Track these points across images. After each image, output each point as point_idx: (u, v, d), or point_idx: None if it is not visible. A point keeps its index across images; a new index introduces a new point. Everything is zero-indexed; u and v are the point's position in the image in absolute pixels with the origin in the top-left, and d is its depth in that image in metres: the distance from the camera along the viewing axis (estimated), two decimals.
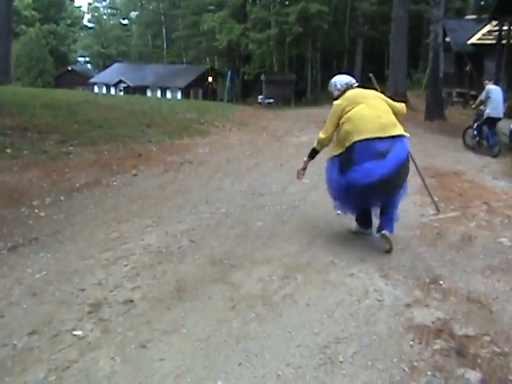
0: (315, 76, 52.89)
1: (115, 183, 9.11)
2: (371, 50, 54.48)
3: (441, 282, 5.35)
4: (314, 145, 6.36)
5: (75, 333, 4.19)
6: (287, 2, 54.15)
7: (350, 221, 6.97)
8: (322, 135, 6.23)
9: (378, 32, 50.90)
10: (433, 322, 4.51)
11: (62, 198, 8.04)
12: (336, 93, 6.44)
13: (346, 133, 5.91)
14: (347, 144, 5.89)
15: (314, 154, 6.40)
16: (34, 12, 71.87)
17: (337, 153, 6.12)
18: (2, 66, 28.73)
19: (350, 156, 5.86)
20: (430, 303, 4.89)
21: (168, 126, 15.00)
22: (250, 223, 7.07)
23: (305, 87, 51.44)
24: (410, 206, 8.33)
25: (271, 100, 48.17)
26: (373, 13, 51.13)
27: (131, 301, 4.75)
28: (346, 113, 6.00)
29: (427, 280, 5.39)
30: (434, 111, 25.11)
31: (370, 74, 5.42)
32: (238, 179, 9.89)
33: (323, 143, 6.29)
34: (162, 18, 78.14)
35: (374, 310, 4.73)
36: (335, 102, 6.21)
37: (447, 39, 31.55)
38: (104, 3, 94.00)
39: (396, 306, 4.82)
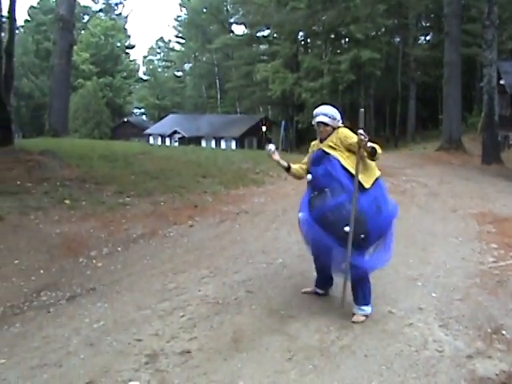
0: (368, 123, 52.86)
1: (171, 234, 9.22)
2: (424, 95, 54.16)
3: (504, 332, 5.21)
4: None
5: (132, 383, 4.21)
6: (339, 51, 54.60)
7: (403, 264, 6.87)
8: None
9: (430, 77, 50.68)
10: (497, 375, 4.39)
11: (119, 248, 8.18)
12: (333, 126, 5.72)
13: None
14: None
15: None
16: (91, 66, 73.94)
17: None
18: (60, 118, 29.73)
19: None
20: (492, 354, 4.76)
21: (223, 176, 15.15)
22: (307, 273, 7.04)
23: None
24: (469, 253, 8.19)
25: None
26: (425, 58, 50.96)
27: (188, 352, 4.76)
28: None
29: (489, 330, 5.27)
30: (491, 155, 24.86)
31: (361, 110, 5.29)
32: (294, 229, 9.82)
33: None
34: (216, 69, 79.41)
35: (434, 361, 4.63)
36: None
37: (501, 82, 31.23)
38: (158, 56, 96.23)
39: (457, 357, 4.71)
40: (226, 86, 73.71)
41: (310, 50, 61.40)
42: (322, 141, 5.72)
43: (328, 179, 5.40)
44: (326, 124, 5.65)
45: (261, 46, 71.95)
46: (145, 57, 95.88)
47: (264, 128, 58.84)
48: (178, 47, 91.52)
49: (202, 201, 11.98)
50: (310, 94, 52.24)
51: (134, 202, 11.11)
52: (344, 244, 5.18)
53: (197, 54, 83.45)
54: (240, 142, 59.72)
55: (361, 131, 5.11)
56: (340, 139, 5.50)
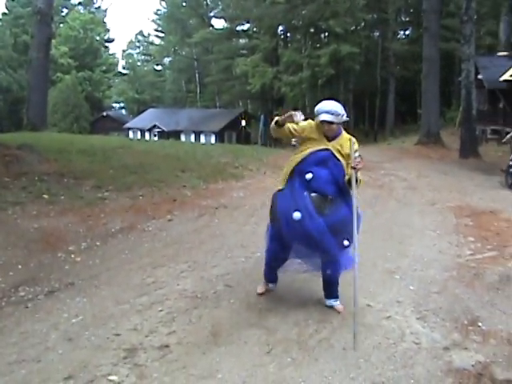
0: (348, 117, 52.83)
1: (150, 228, 9.21)
2: (403, 90, 54.40)
3: (480, 324, 5.29)
4: None
5: (111, 378, 4.22)
6: (318, 45, 54.71)
7: (387, 260, 6.92)
8: None
9: (409, 71, 50.90)
10: (473, 366, 4.46)
11: (98, 243, 8.15)
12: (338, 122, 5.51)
13: None
14: None
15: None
16: (70, 60, 73.26)
17: None
18: (38, 112, 29.49)
19: None
20: (469, 346, 4.83)
21: (202, 171, 15.13)
22: (286, 267, 7.08)
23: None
24: (446, 246, 8.27)
25: None
26: (404, 52, 51.45)
27: (167, 346, 4.77)
28: None
29: (466, 322, 5.34)
30: (469, 149, 25.05)
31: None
32: None
33: None
34: (195, 63, 79.12)
35: (411, 353, 4.69)
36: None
37: (479, 76, 31.37)
38: (138, 50, 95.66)
39: (434, 349, 4.77)
40: (205, 80, 73.48)
41: (289, 44, 61.46)
42: (328, 139, 5.47)
43: (332, 186, 5.37)
44: (330, 122, 5.37)
45: (240, 40, 71.86)
46: (124, 51, 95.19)
47: (243, 122, 58.85)
48: (157, 41, 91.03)
49: (181, 195, 11.97)
50: (289, 88, 52.37)
51: (112, 197, 11.07)
52: (337, 252, 5.35)
53: (176, 47, 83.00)
54: (219, 136, 59.63)
55: (357, 154, 5.24)
56: (349, 150, 5.35)
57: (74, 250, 7.73)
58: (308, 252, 5.57)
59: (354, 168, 5.21)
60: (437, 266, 7.04)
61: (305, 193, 5.32)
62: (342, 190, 5.40)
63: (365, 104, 55.28)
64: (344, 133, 5.56)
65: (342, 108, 5.52)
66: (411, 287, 6.35)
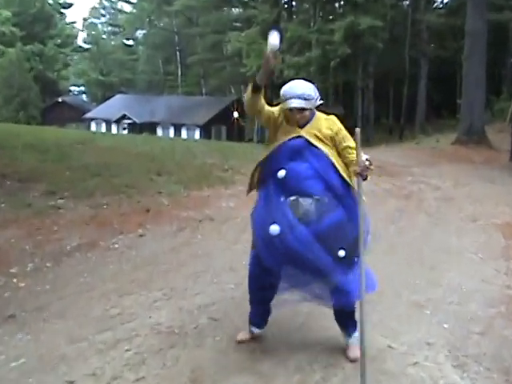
0: (367, 109, 53.04)
1: (116, 246, 9.21)
2: (439, 74, 54.16)
3: None
4: None
5: None
6: (331, 17, 54.60)
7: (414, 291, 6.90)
8: None
9: (447, 50, 50.75)
10: None
11: (49, 264, 8.13)
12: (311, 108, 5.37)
13: None
14: None
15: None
16: (14, 28, 72.91)
17: None
18: None
19: None
20: None
21: (183, 174, 15.14)
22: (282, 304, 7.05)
23: (354, 124, 50.08)
24: (492, 273, 8.26)
25: None
26: (440, 26, 51.28)
27: None
28: None
29: None
30: None
31: (357, 129, 5.07)
32: None
33: None
34: (176, 38, 79.35)
35: None
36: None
37: None
38: (103, 19, 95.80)
39: None
40: (188, 59, 73.66)
41: (294, 16, 61.57)
42: (299, 126, 5.28)
43: (316, 183, 5.13)
44: (302, 109, 5.18)
45: (233, 10, 72.13)
46: (85, 19, 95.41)
47: (236, 114, 58.87)
48: (127, 8, 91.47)
49: (156, 204, 11.98)
50: (294, 72, 52.20)
51: (69, 205, 11.06)
52: (330, 267, 5.05)
53: (152, 17, 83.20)
54: (205, 130, 59.78)
55: (366, 157, 4.87)
56: (331, 131, 5.22)
57: (17, 272, 7.70)
58: (300, 276, 5.26)
59: (359, 175, 4.89)
60: (479, 298, 7.03)
61: (281, 198, 5.17)
62: (333, 187, 5.15)
63: (388, 92, 55.32)
64: (318, 113, 5.40)
65: (315, 89, 5.33)
66: (445, 325, 6.31)
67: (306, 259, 4.97)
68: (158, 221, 10.74)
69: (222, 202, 12.78)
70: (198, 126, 60.41)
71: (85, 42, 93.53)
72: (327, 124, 5.29)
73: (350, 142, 5.16)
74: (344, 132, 5.29)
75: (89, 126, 65.15)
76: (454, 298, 7.21)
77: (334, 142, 5.21)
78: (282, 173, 5.16)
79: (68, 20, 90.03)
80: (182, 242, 9.68)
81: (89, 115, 69.25)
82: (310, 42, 51.85)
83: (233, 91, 74.94)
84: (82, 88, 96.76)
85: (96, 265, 8.26)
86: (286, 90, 5.28)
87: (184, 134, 60.27)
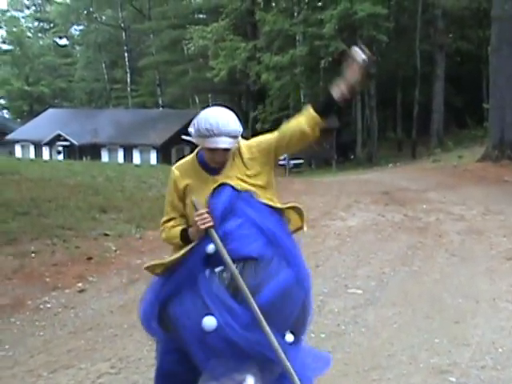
0: (369, 120, 52.95)
1: (49, 305, 9.15)
2: (459, 72, 54.38)
3: None
4: None
5: None
6: (320, 3, 54.57)
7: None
8: None
9: (469, 42, 50.98)
10: None
11: None
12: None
13: None
14: None
15: None
16: None
17: None
18: None
19: None
20: None
21: (136, 210, 15.16)
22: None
23: (353, 138, 52.12)
24: None
25: (300, 161, 48.36)
26: (460, 12, 51.06)
27: None
28: None
29: None
30: None
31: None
32: None
33: None
34: (123, 35, 79.48)
35: None
36: None
37: None
38: (27, 11, 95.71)
39: None
40: (140, 62, 73.93)
41: (273, 4, 61.70)
42: (211, 171, 5.23)
43: (255, 240, 4.90)
44: (227, 150, 5.05)
45: None
46: (3, 12, 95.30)
47: None
48: None
49: (101, 250, 11.94)
50: (274, 75, 52.28)
51: None
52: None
53: (91, 9, 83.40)
54: (164, 153, 59.90)
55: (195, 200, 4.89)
56: (251, 154, 5.19)
57: None
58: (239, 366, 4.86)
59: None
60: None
61: (206, 271, 4.91)
62: (274, 236, 4.96)
63: (395, 98, 55.50)
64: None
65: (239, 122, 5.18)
66: None
67: (250, 351, 4.73)
68: (103, 271, 10.70)
69: None
70: (154, 148, 60.51)
71: (4, 42, 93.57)
72: (243, 153, 5.23)
73: (266, 140, 5.21)
74: (253, 142, 5.28)
75: (12, 151, 65.10)
76: (486, 360, 7.16)
77: (268, 156, 5.21)
78: (211, 247, 4.88)
79: None
80: (133, 297, 9.54)
81: (12, 136, 69.16)
82: (293, 37, 52.03)
83: (197, 101, 75.10)
84: (2, 101, 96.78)
85: (21, 332, 8.18)
86: (210, 123, 5.03)
87: (137, 158, 60.34)
